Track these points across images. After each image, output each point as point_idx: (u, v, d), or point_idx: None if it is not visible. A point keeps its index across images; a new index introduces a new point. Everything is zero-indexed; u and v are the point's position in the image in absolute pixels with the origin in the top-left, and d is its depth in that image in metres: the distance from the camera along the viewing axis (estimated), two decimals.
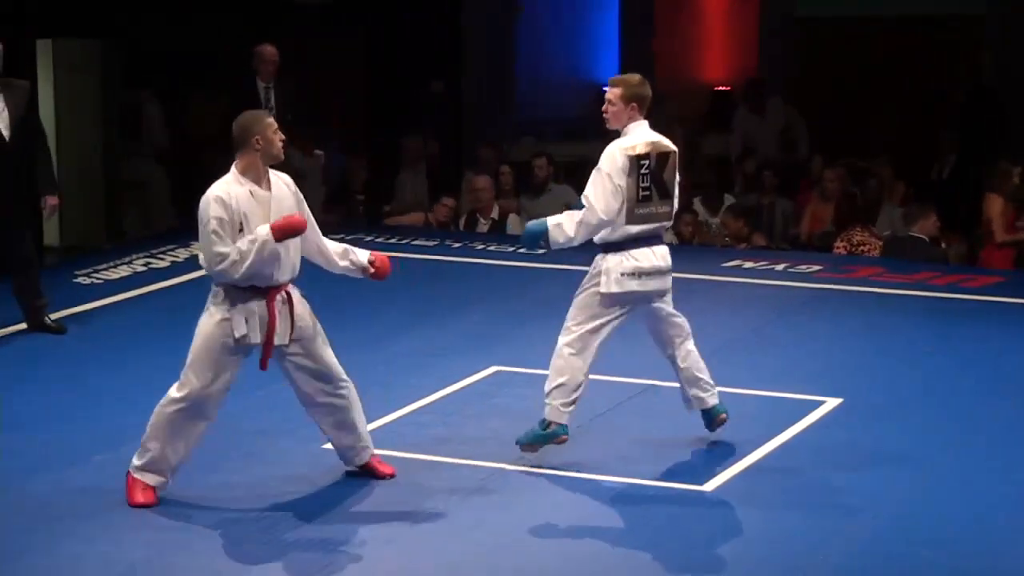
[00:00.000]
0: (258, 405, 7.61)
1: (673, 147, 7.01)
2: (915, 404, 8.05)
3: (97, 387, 8.11)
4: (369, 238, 11.47)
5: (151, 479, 6.56)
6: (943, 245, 11.48)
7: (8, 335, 8.93)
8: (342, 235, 11.38)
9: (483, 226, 12.13)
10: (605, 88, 7.24)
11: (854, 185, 12.00)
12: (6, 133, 8.65)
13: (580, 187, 12.65)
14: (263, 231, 6.39)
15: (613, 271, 6.91)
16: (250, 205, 6.44)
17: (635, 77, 7.00)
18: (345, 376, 6.76)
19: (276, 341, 6.53)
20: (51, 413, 7.66)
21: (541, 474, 7.04)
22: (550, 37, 16.16)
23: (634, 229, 6.91)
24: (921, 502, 6.77)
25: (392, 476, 6.86)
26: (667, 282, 7.09)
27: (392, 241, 11.42)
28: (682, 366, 7.24)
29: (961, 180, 12.36)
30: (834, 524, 6.52)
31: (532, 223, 7.10)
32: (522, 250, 11.25)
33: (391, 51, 14.74)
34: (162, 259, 10.66)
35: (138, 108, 13.26)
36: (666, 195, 6.98)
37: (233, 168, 6.52)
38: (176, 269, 10.45)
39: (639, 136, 6.92)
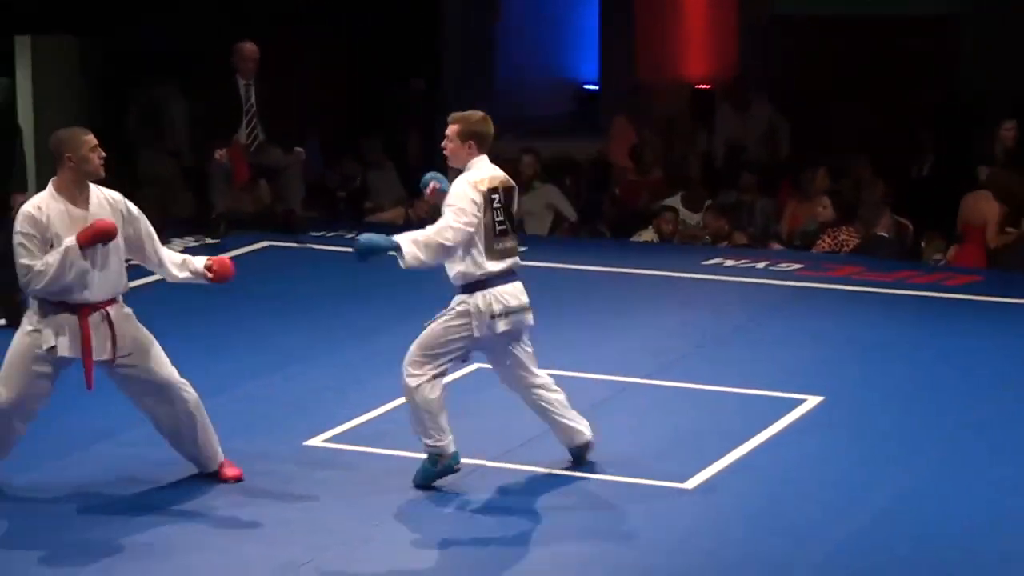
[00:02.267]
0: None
1: (513, 182, 6.89)
2: (896, 401, 8.08)
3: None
4: (351, 235, 11.43)
5: None
6: (923, 244, 11.53)
7: None
8: (323, 232, 11.47)
9: None
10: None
11: (835, 183, 12.05)
12: None
13: (559, 185, 12.86)
14: (69, 240, 6.34)
15: (484, 314, 6.75)
16: (63, 222, 6.39)
17: (475, 114, 6.84)
18: (185, 389, 6.70)
19: (94, 356, 6.48)
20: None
21: (521, 471, 7.05)
22: (530, 35, 16.17)
23: (495, 266, 6.73)
24: (902, 499, 6.80)
25: (238, 479, 6.81)
26: (529, 318, 6.90)
27: None
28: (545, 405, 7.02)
29: (939, 180, 12.42)
30: (815, 521, 6.55)
31: (374, 236, 6.84)
32: None
33: (371, 48, 14.73)
34: None
35: (156, 103, 13.12)
36: (513, 229, 6.86)
37: (50, 184, 6.48)
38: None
39: (483, 171, 6.81)
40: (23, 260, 6.38)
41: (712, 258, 11.14)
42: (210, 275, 6.73)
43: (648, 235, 12.02)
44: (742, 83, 14.48)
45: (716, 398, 7.77)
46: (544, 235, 12.35)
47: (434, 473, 6.81)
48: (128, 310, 6.66)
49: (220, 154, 10.94)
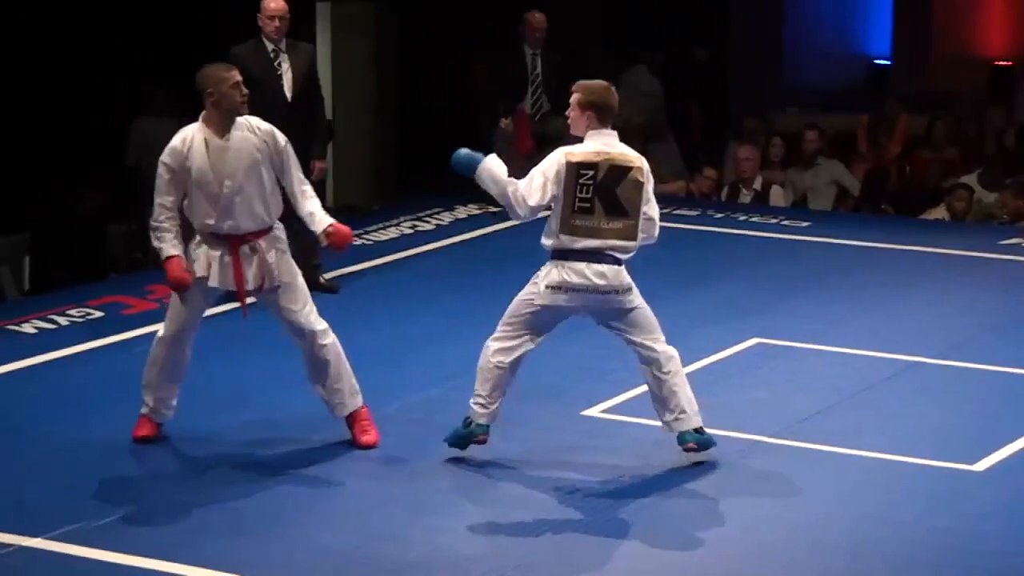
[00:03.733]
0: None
1: (637, 163, 6.45)
2: None
3: (363, 345, 8.25)
4: None
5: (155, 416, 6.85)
6: None
7: None
8: None
9: (746, 197, 11.98)
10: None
11: None
12: (288, 94, 8.84)
13: (845, 161, 12.59)
14: (164, 252, 6.62)
15: (542, 282, 6.55)
16: (202, 154, 6.59)
17: (599, 84, 6.49)
18: (322, 334, 6.80)
19: (247, 286, 6.68)
20: None
21: (802, 448, 6.91)
22: (820, 7, 15.83)
23: (572, 242, 6.43)
24: None
25: (370, 446, 6.79)
26: (605, 301, 6.53)
27: None
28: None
29: None
30: None
31: (468, 153, 6.61)
32: (785, 221, 11.09)
33: (655, 17, 14.63)
34: (428, 222, 10.81)
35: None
36: (618, 211, 6.44)
37: (200, 116, 6.70)
38: (440, 232, 10.59)
39: (590, 145, 6.45)
40: (158, 195, 6.68)
41: (1010, 238, 10.72)
42: (326, 240, 6.87)
43: (939, 213, 11.66)
44: None
45: (1008, 380, 7.46)
46: (828, 210, 12.10)
47: (462, 435, 6.68)
48: (281, 241, 6.81)
49: (505, 123, 11.02)
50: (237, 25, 9.15)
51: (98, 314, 8.53)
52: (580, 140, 6.58)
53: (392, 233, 10.49)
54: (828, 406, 7.34)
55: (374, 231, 10.48)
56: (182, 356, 6.82)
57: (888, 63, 16.01)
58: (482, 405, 6.65)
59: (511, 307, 6.68)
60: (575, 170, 6.42)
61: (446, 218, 10.89)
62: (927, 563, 5.86)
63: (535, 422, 7.15)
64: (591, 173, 6.41)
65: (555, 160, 6.50)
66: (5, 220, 9.85)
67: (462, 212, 11.03)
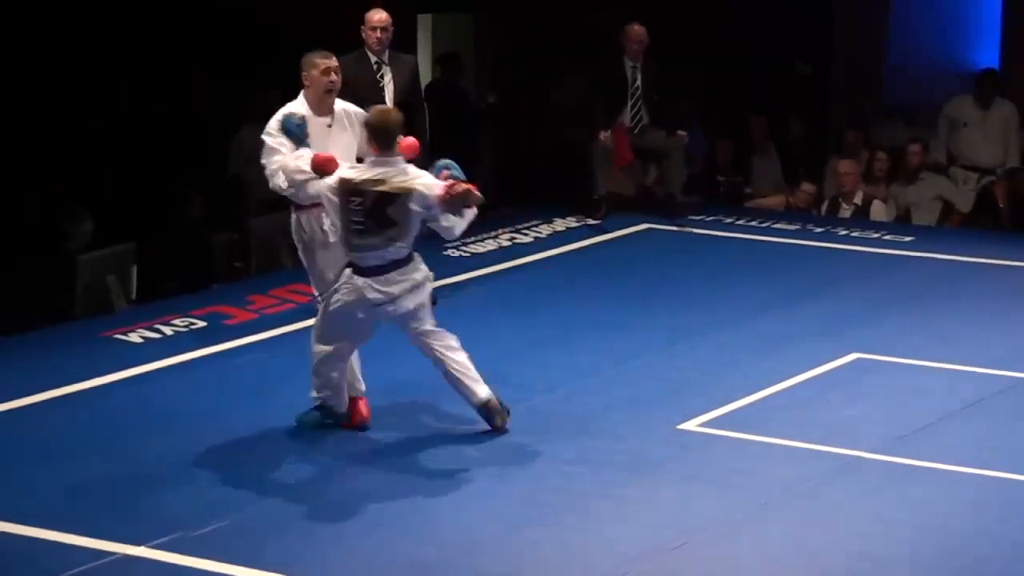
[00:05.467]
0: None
1: (400, 190, 6.79)
2: None
3: None
4: (729, 220, 11.38)
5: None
6: None
7: None
8: (702, 216, 11.43)
9: (846, 211, 11.87)
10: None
11: None
12: (390, 104, 8.88)
13: (948, 176, 12.41)
14: (303, 160, 7.00)
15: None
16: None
17: (376, 108, 7.06)
18: None
19: None
20: (422, 382, 7.86)
21: (902, 464, 6.83)
22: (924, 20, 15.64)
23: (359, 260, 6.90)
24: None
25: (358, 426, 7.12)
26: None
27: (752, 224, 11.30)
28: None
29: None
30: None
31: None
32: (887, 236, 10.98)
33: (757, 30, 14.56)
34: (526, 235, 10.83)
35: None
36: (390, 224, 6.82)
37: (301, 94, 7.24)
38: (538, 245, 10.60)
39: (366, 171, 6.87)
40: (270, 158, 7.05)
41: None
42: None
43: None
44: None
45: None
46: (932, 225, 11.96)
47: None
48: None
49: (604, 135, 11.02)
50: (339, 37, 9.19)
51: (201, 324, 8.64)
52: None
53: (490, 245, 10.52)
54: (930, 422, 7.25)
55: (472, 243, 10.52)
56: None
57: None
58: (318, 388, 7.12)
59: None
60: (345, 195, 6.83)
61: (544, 230, 10.90)
62: None
63: (630, 435, 7.14)
64: (360, 200, 6.80)
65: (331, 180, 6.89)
66: (112, 230, 10.01)
67: (560, 224, 11.04)
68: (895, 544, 6.09)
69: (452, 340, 7.09)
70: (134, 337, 8.42)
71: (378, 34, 8.82)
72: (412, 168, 6.93)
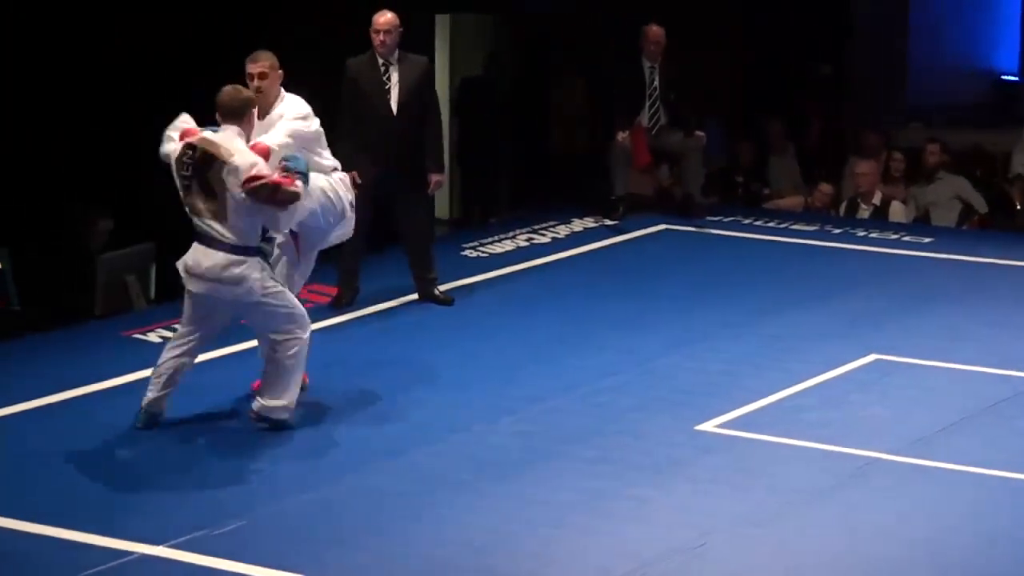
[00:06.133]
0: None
1: (217, 155, 6.81)
2: None
3: (480, 356, 8.30)
4: (747, 220, 11.37)
5: None
6: None
7: (402, 304, 9.19)
8: (720, 217, 11.42)
9: (864, 212, 11.85)
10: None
11: None
12: (393, 107, 8.89)
13: (971, 178, 12.39)
14: None
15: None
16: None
17: (226, 88, 7.00)
18: None
19: None
20: (440, 381, 7.88)
21: (921, 465, 6.82)
22: (945, 22, 15.62)
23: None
24: None
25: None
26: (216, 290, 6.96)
27: (771, 224, 11.28)
28: None
29: None
30: None
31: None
32: (906, 237, 10.96)
33: (776, 30, 14.55)
34: (543, 235, 10.83)
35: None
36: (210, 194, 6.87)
37: None
38: (557, 245, 10.60)
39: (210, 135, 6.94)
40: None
41: None
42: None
43: None
44: None
45: None
46: (951, 227, 11.93)
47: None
48: None
49: (622, 136, 11.02)
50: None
51: None
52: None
53: (508, 246, 10.52)
54: (949, 424, 7.24)
55: (490, 244, 10.53)
56: None
57: (1015, 79, 15.77)
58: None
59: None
60: (183, 149, 6.92)
61: (562, 231, 10.90)
62: None
63: (648, 436, 7.14)
64: (191, 154, 6.89)
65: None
66: (132, 230, 10.04)
67: (578, 225, 11.04)
68: (914, 546, 6.08)
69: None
70: (153, 337, 8.44)
71: (381, 37, 8.81)
72: (241, 144, 6.92)
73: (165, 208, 9.92)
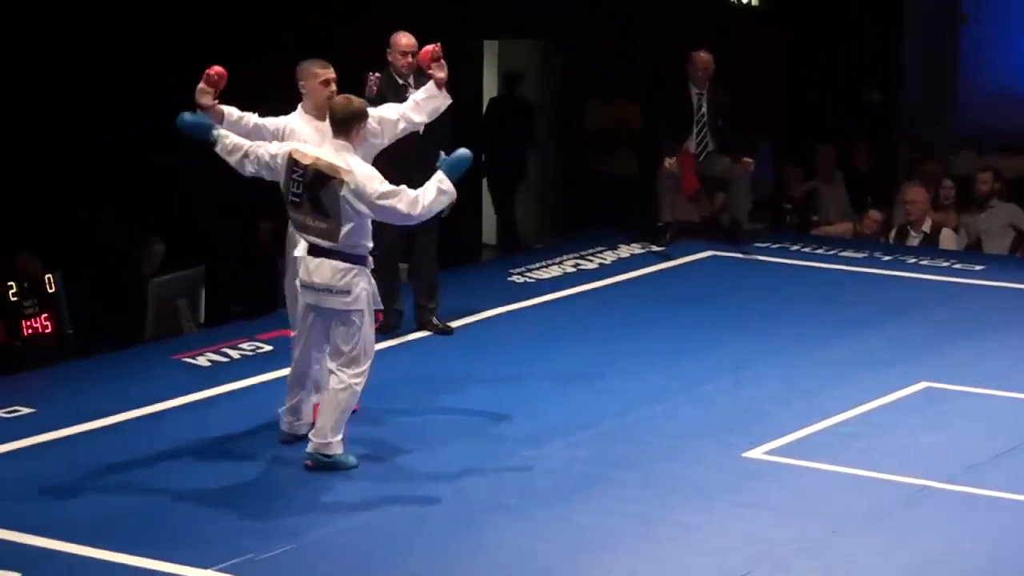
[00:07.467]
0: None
1: (337, 174, 6.77)
2: None
3: (525, 381, 8.28)
4: (795, 247, 11.33)
5: None
6: None
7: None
8: (768, 244, 11.38)
9: (914, 239, 11.77)
10: None
11: None
12: (422, 128, 8.82)
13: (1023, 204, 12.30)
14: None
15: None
16: (307, 133, 7.25)
17: (338, 97, 7.05)
18: None
19: None
20: (487, 406, 7.87)
21: (972, 494, 6.76)
22: (997, 47, 15.54)
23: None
24: None
25: None
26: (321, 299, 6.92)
27: (819, 251, 11.24)
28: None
29: None
30: None
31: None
32: (956, 265, 10.88)
33: (825, 57, 14.51)
34: (590, 260, 10.82)
35: None
36: (322, 213, 6.83)
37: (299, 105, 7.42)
38: (603, 271, 10.59)
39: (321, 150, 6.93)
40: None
41: None
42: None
43: None
44: None
45: None
46: (1004, 254, 11.83)
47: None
48: None
49: (670, 163, 11.00)
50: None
51: (267, 348, 8.69)
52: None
53: (555, 271, 10.52)
54: (1001, 451, 7.17)
55: (537, 268, 10.53)
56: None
57: None
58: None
59: None
60: (291, 163, 6.89)
61: (609, 257, 10.89)
62: None
63: (696, 462, 7.11)
64: (301, 172, 6.86)
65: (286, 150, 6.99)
66: (183, 253, 10.10)
67: (625, 251, 11.02)
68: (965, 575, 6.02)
69: (342, 382, 6.92)
70: (202, 361, 8.48)
71: (409, 59, 8.79)
72: (358, 162, 6.89)
73: (215, 232, 9.99)
